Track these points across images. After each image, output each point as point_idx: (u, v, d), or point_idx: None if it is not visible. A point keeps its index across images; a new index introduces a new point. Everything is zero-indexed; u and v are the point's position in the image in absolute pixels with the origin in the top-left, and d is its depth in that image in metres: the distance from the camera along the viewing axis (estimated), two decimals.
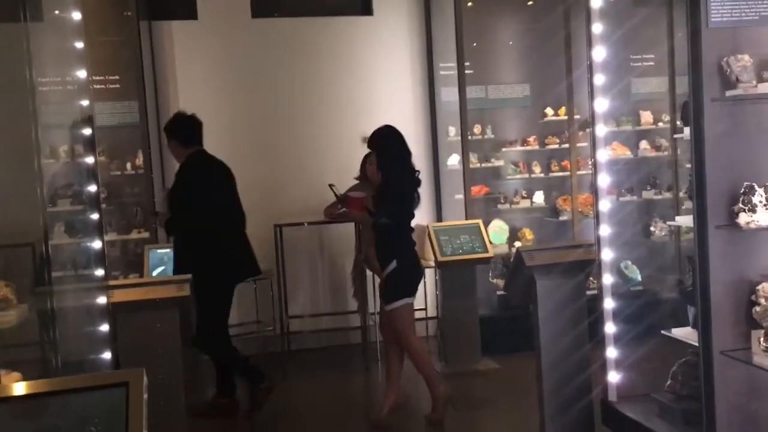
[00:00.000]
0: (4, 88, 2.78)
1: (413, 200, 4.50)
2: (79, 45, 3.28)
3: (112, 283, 3.68)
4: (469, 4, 6.37)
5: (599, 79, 3.74)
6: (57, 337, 2.93)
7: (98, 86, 5.73)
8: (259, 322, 6.18)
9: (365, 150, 6.01)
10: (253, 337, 6.25)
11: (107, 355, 3.24)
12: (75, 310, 3.25)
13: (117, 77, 5.99)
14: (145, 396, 1.78)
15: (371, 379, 5.60)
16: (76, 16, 3.30)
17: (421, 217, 6.43)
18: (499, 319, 5.92)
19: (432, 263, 5.69)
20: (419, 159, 6.56)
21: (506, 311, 5.91)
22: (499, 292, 6.00)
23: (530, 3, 6.77)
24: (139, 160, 5.94)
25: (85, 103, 3.40)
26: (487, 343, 5.68)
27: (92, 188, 3.41)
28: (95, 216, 3.43)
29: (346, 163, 5.85)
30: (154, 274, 4.92)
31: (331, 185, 4.93)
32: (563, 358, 3.86)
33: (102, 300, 3.44)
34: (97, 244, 3.42)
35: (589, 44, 3.74)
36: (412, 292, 4.43)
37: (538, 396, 3.92)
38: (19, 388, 1.79)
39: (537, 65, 6.64)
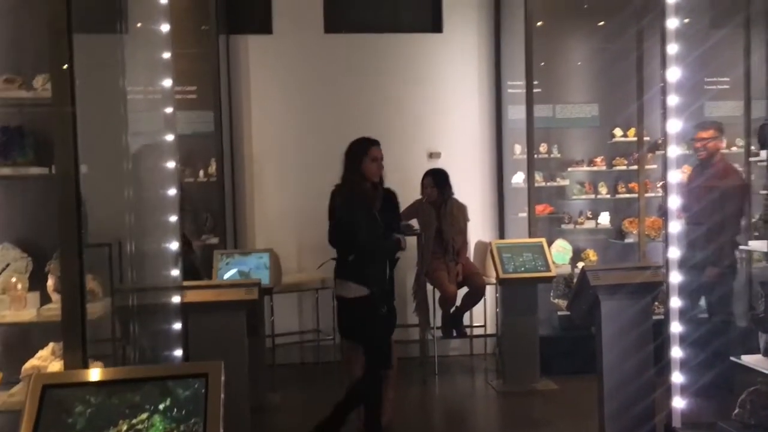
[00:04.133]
0: (102, 95, 2.97)
1: None
2: (167, 55, 3.46)
3: (185, 284, 3.84)
4: (539, 23, 6.39)
5: (673, 99, 3.71)
6: (135, 332, 3.09)
7: (177, 96, 5.94)
8: (319, 331, 6.29)
9: (431, 165, 6.10)
10: (311, 345, 6.37)
11: (179, 352, 3.38)
12: (152, 307, 3.41)
13: (194, 88, 6.23)
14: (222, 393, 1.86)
15: (428, 392, 5.61)
16: (165, 28, 3.48)
17: (484, 234, 6.46)
18: (559, 339, 5.87)
19: (493, 280, 5.69)
20: (484, 176, 6.64)
21: (567, 332, 5.86)
22: (560, 313, 5.95)
23: (601, 24, 6.74)
24: (212, 168, 6.15)
25: (168, 111, 3.57)
26: (546, 363, 5.62)
27: (172, 193, 3.58)
28: (173, 219, 3.59)
29: (412, 177, 5.92)
30: (226, 277, 5.06)
31: None
32: (626, 382, 3.80)
33: (176, 299, 3.60)
34: (174, 246, 3.57)
35: (664, 65, 3.72)
36: None
37: (599, 420, 3.87)
38: (107, 374, 1.91)
39: (606, 86, 6.61)
